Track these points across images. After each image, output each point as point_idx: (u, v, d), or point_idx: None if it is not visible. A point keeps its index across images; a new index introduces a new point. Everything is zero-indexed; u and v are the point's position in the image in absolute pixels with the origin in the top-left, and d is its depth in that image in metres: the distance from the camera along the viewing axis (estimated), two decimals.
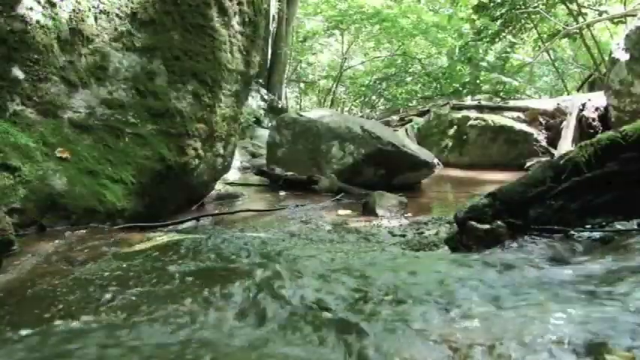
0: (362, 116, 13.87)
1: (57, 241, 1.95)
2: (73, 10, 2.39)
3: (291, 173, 4.95)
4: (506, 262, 1.47)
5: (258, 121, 10.87)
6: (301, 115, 5.44)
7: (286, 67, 15.55)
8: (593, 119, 6.75)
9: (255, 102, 11.24)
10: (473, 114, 7.90)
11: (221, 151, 3.41)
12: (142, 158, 2.68)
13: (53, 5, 2.30)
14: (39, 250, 1.82)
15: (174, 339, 1.01)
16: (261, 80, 12.59)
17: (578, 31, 9.67)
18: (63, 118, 2.39)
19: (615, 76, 5.96)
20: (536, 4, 10.75)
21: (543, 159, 6.45)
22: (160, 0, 2.76)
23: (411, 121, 8.78)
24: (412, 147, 5.24)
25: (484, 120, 7.60)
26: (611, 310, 1.03)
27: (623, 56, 5.83)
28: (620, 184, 1.66)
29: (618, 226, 1.75)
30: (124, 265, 1.53)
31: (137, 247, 1.84)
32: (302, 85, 18.91)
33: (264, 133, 9.28)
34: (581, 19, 9.89)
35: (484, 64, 11.21)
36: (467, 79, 12.06)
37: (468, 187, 5.36)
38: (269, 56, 13.46)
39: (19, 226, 2.04)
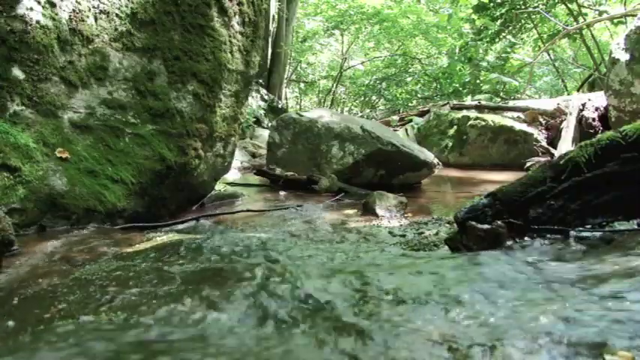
0: (362, 116, 13.88)
1: (57, 241, 1.95)
2: (73, 10, 2.39)
3: (291, 173, 4.95)
4: (506, 262, 1.47)
5: (258, 121, 10.87)
6: (301, 115, 5.43)
7: (286, 67, 15.56)
8: (593, 119, 6.75)
9: (255, 102, 11.24)
10: (473, 114, 7.90)
11: (221, 151, 3.41)
12: (142, 158, 2.68)
13: (53, 5, 2.31)
14: (39, 250, 1.82)
15: (174, 339, 1.01)
16: (261, 80, 12.59)
17: (578, 31, 9.67)
18: (63, 118, 2.39)
19: (615, 76, 5.96)
20: (536, 4, 10.74)
21: (543, 159, 6.45)
22: (159, 0, 2.76)
23: (411, 121, 8.78)
24: (412, 147, 5.24)
25: (484, 120, 7.60)
26: (611, 310, 1.03)
27: (623, 56, 5.82)
28: (620, 184, 1.66)
29: (618, 226, 1.75)
30: (124, 265, 1.53)
31: (137, 247, 1.84)
32: (302, 85, 18.91)
33: (264, 133, 9.29)
34: (581, 19, 9.88)
35: (484, 64, 11.19)
36: (467, 79, 12.05)
37: (468, 187, 5.36)
38: (269, 56, 13.46)
39: (19, 226, 2.04)
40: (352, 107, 18.22)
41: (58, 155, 2.30)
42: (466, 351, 0.90)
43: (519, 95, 10.99)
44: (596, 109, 6.78)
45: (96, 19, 2.50)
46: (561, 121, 7.15)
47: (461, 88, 12.20)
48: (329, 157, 5.00)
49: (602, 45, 10.23)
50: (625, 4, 9.39)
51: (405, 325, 1.03)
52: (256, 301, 1.17)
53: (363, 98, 17.64)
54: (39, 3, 2.25)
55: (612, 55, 6.01)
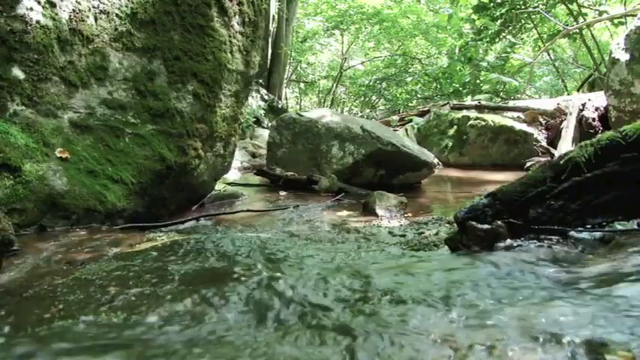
0: (362, 116, 13.88)
1: (57, 241, 1.95)
2: (73, 10, 2.39)
3: (291, 173, 4.95)
4: (506, 262, 1.47)
5: (258, 121, 10.87)
6: (301, 115, 5.43)
7: (286, 67, 15.56)
8: (593, 119, 6.75)
9: (255, 102, 11.24)
10: (473, 114, 7.90)
11: (221, 151, 3.41)
12: (142, 158, 2.68)
13: (53, 5, 2.30)
14: (39, 250, 1.82)
15: (174, 339, 1.01)
16: (261, 80, 12.59)
17: (578, 31, 9.66)
18: (63, 118, 2.39)
19: (615, 76, 5.96)
20: (536, 4, 10.74)
21: (543, 159, 6.45)
22: (159, 0, 2.76)
23: (411, 121, 8.78)
24: (412, 147, 5.24)
25: (484, 120, 7.60)
26: (611, 310, 1.03)
27: (623, 56, 5.82)
28: (620, 184, 1.66)
29: (618, 226, 1.75)
30: (124, 265, 1.53)
31: (137, 247, 1.84)
32: (302, 85, 18.91)
33: (264, 133, 9.29)
34: (581, 19, 9.88)
35: (484, 64, 11.19)
36: (467, 79, 12.05)
37: (468, 187, 5.36)
38: (269, 56, 13.45)
39: (19, 226, 2.04)
40: (352, 107, 18.22)
41: (58, 155, 2.30)
42: (466, 351, 0.90)
43: (519, 95, 10.99)
44: (596, 109, 6.79)
45: (96, 19, 2.50)
46: (561, 121, 7.15)
47: (461, 88, 12.20)
48: (329, 157, 5.00)
49: (602, 45, 10.22)
50: (625, 4, 9.39)
51: (405, 324, 1.03)
52: (256, 301, 1.17)
53: (363, 98, 17.64)
54: (39, 3, 2.25)
55: (612, 55, 6.01)
